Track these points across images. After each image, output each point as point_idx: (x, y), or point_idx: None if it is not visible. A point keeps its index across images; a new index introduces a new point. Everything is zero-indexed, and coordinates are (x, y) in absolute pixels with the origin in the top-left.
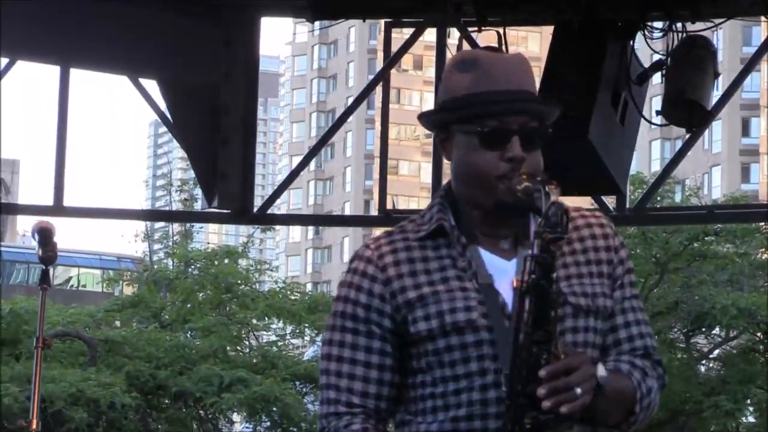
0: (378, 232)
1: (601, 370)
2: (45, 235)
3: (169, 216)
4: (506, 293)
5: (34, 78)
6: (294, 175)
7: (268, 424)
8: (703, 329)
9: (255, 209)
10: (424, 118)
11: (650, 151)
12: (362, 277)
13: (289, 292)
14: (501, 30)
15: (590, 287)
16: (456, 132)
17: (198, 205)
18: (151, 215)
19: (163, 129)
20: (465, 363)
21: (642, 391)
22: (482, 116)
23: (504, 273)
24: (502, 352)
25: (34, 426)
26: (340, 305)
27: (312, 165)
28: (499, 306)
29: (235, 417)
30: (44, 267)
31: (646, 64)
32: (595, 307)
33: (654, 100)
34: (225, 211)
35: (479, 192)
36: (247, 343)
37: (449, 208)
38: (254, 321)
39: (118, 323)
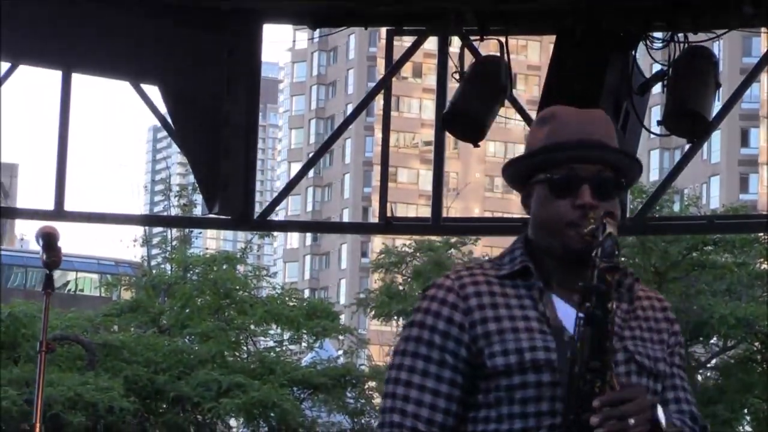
0: (378, 239)
1: (660, 412)
2: (49, 240)
3: (170, 221)
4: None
5: (32, 81)
6: (294, 182)
7: (266, 429)
8: (701, 339)
9: (255, 215)
10: (505, 172)
11: (649, 160)
12: (441, 305)
13: (287, 298)
14: (503, 39)
15: (652, 351)
16: (534, 185)
17: (197, 211)
18: (153, 220)
19: (162, 134)
20: (537, 402)
21: None
22: (553, 165)
23: (574, 323)
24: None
25: (37, 429)
26: (415, 330)
27: (310, 171)
28: (569, 353)
29: (233, 422)
30: (48, 272)
31: (647, 74)
32: (656, 370)
33: (653, 110)
34: (226, 217)
35: (551, 239)
36: (245, 348)
37: (529, 254)
38: (252, 327)
39: (116, 328)
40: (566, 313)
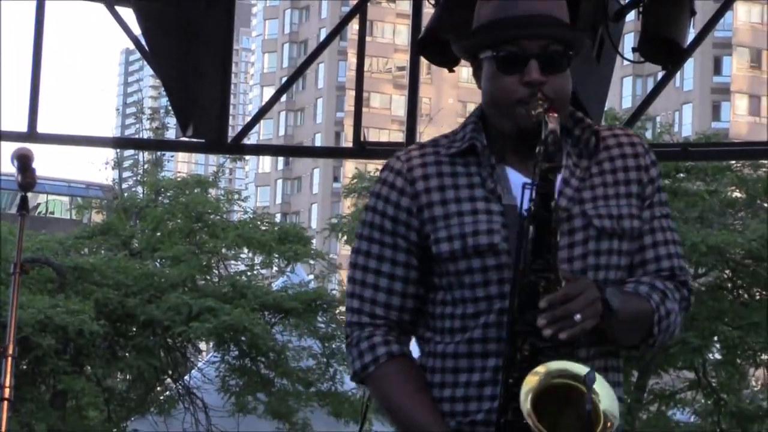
0: (350, 164)
1: (610, 294)
2: (24, 162)
3: (142, 144)
4: None
5: (3, 3)
6: (268, 106)
7: (236, 353)
8: None
9: (228, 139)
10: (454, 47)
11: (622, 87)
12: (390, 189)
13: (259, 223)
14: None
15: (616, 209)
16: (482, 60)
17: (169, 134)
18: (125, 143)
19: (134, 57)
20: (485, 286)
21: (660, 314)
22: (499, 41)
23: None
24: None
25: (10, 351)
26: (368, 215)
27: (283, 96)
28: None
29: (203, 346)
30: (23, 193)
31: (622, 1)
32: (620, 229)
33: (627, 37)
34: (199, 140)
35: (501, 117)
36: (216, 272)
37: (482, 129)
38: (224, 250)
39: (86, 250)
40: (520, 185)
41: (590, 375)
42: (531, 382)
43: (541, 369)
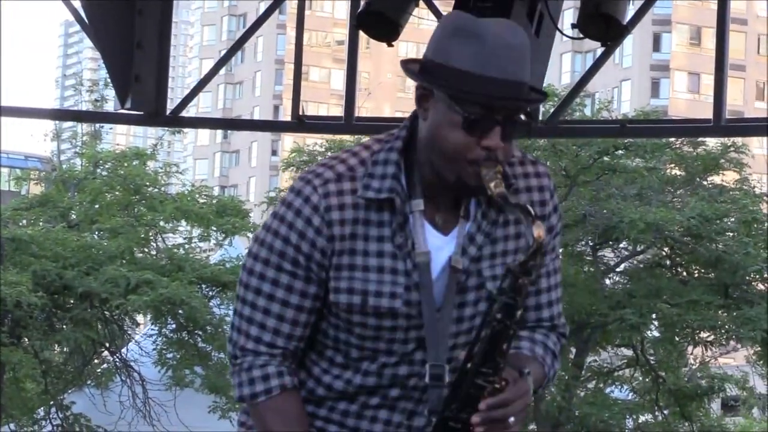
0: (288, 137)
1: (530, 380)
2: None
3: (81, 116)
4: (439, 273)
5: None
6: (206, 79)
7: (174, 326)
8: (611, 243)
9: (167, 112)
10: (411, 72)
11: (561, 63)
12: (307, 225)
13: (197, 195)
14: None
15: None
16: (440, 98)
17: (108, 106)
18: (64, 115)
19: (74, 29)
20: (375, 341)
21: (549, 376)
22: (473, 99)
23: (439, 250)
24: (429, 336)
25: None
26: (278, 243)
27: (222, 69)
28: (430, 289)
29: (141, 318)
30: None
31: None
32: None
33: (566, 13)
34: (138, 112)
35: (445, 166)
36: (154, 245)
37: (403, 164)
38: (162, 223)
39: (24, 222)
40: (431, 241)
41: None
42: None
43: None
